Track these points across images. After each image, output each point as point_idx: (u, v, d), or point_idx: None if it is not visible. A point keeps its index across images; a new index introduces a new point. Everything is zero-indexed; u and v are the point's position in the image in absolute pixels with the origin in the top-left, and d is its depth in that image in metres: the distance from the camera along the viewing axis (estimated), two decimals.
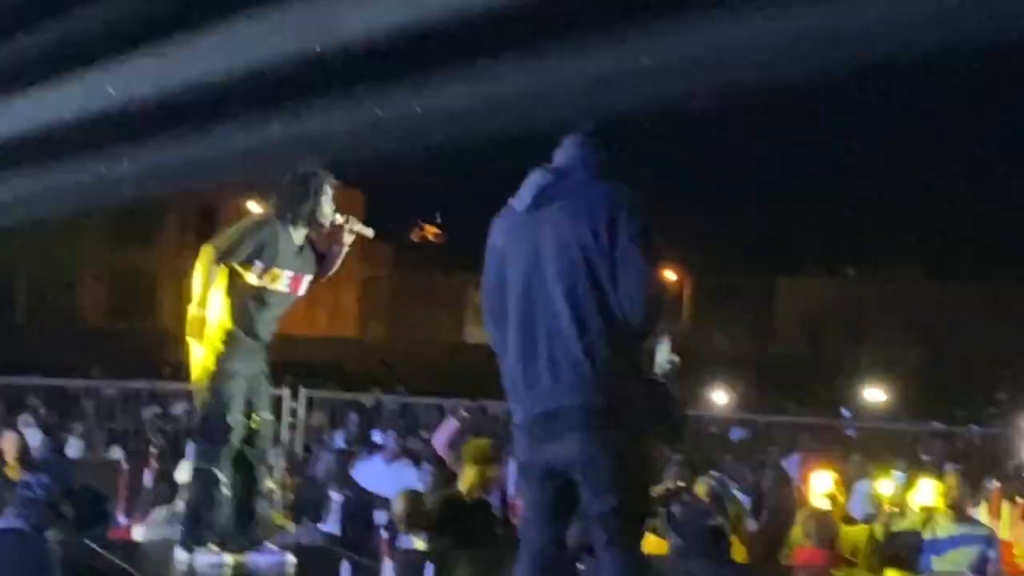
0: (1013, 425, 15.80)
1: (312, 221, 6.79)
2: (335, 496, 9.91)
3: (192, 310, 6.58)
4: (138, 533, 8.57)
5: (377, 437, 14.31)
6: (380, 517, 8.88)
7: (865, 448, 14.79)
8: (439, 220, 52.60)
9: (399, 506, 7.47)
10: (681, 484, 8.35)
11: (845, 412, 21.37)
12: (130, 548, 7.70)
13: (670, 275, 39.10)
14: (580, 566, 5.79)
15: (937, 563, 8.14)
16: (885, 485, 9.78)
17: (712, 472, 9.67)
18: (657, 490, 7.45)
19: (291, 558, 6.92)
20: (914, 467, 12.03)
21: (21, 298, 46.40)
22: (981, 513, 9.54)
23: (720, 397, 26.26)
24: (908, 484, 9.53)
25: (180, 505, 7.83)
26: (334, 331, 45.19)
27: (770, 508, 9.76)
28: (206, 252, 6.63)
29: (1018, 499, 9.70)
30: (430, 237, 55.00)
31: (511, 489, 8.22)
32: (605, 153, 4.62)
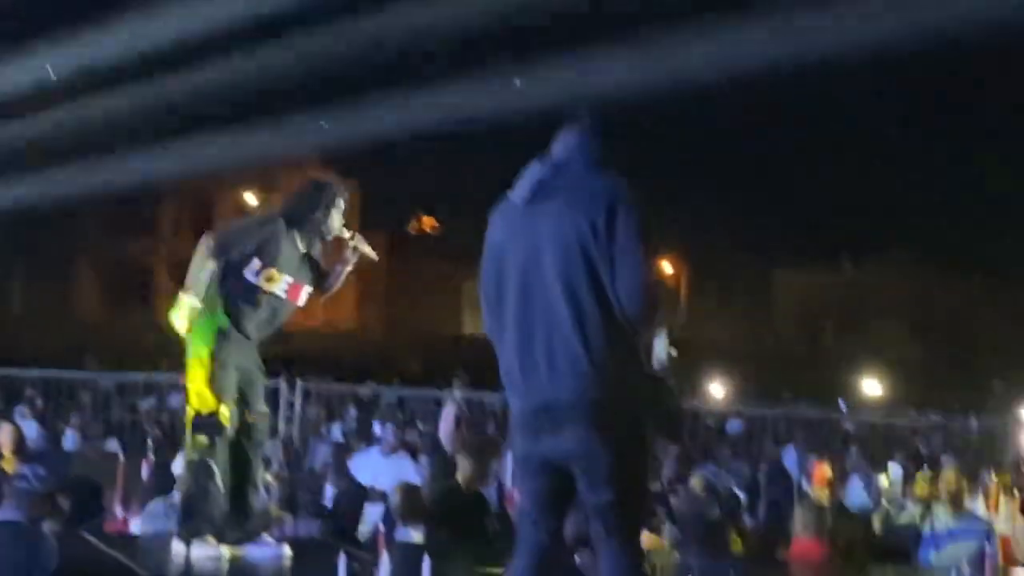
0: (1011, 417, 15.79)
1: (318, 231, 6.79)
2: (330, 489, 9.92)
3: (180, 294, 6.64)
4: (135, 525, 8.56)
5: (377, 429, 14.29)
6: (372, 510, 8.88)
7: (862, 441, 14.79)
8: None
9: (396, 499, 7.46)
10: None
11: (842, 405, 21.33)
12: (127, 540, 7.71)
13: (667, 268, 39.11)
14: (577, 558, 5.79)
15: (935, 557, 8.13)
16: (882, 478, 9.78)
17: (708, 466, 9.67)
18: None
19: (287, 550, 6.93)
20: (912, 460, 12.04)
21: (18, 290, 46.35)
22: (979, 506, 9.53)
23: (717, 390, 26.25)
24: (905, 477, 9.53)
25: (177, 497, 7.82)
26: (331, 323, 45.17)
27: (767, 501, 9.76)
28: (205, 242, 6.66)
29: (1016, 492, 9.69)
30: (427, 229, 55.03)
31: (508, 481, 8.22)
32: (603, 146, 4.60)
